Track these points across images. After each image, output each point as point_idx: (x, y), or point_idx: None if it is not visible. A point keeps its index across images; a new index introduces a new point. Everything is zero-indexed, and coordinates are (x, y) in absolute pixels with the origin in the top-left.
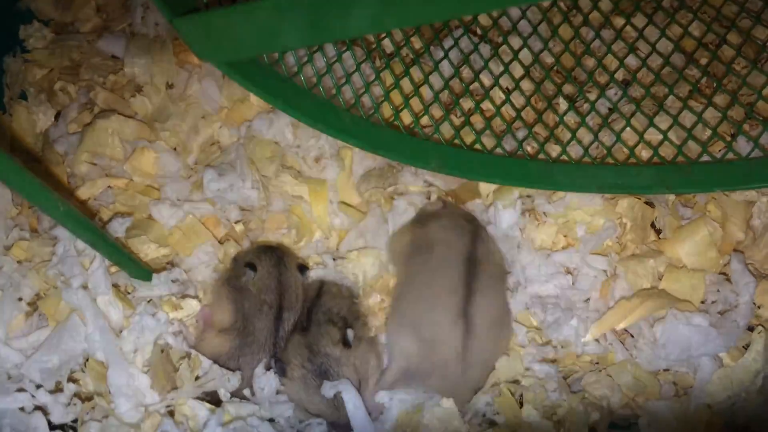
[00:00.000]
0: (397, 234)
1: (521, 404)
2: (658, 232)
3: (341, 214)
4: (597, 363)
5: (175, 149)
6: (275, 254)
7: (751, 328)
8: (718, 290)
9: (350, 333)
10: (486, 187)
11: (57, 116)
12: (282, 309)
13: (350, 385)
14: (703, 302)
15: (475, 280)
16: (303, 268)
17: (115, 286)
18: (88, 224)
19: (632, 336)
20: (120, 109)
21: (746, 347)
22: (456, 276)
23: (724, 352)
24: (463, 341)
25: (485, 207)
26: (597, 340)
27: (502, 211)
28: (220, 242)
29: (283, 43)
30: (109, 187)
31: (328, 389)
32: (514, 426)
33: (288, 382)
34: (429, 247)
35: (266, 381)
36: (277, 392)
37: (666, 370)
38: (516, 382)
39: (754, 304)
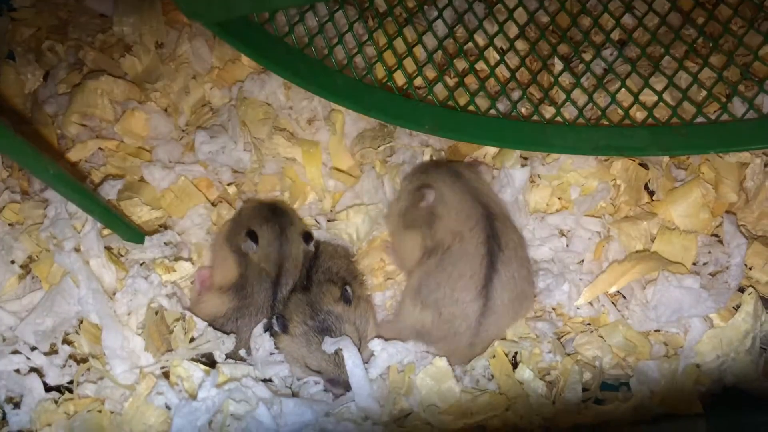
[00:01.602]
0: (404, 214)
1: (516, 365)
2: (652, 193)
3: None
4: (589, 324)
5: (165, 110)
6: (278, 224)
7: (741, 289)
8: (710, 252)
9: (350, 290)
10: (488, 150)
11: (45, 76)
12: (280, 276)
13: (351, 343)
14: (694, 264)
15: (497, 259)
16: (308, 236)
17: (108, 248)
18: (79, 187)
19: (624, 297)
20: (109, 70)
21: (737, 308)
22: (478, 258)
23: (715, 312)
24: (480, 318)
25: (489, 167)
26: (590, 303)
27: (511, 170)
28: (213, 204)
29: (273, 2)
30: (99, 149)
31: (330, 345)
32: (508, 386)
33: (290, 339)
34: (445, 241)
35: (262, 342)
36: (271, 353)
37: (657, 330)
38: (514, 342)
39: (745, 265)
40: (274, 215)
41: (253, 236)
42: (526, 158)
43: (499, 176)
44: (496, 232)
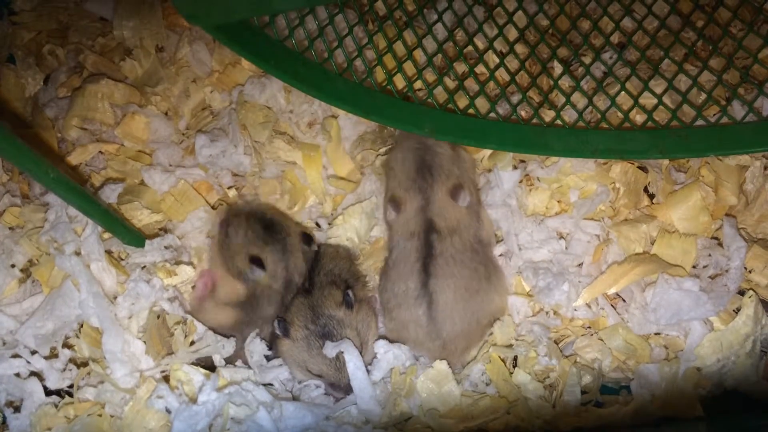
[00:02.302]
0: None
1: (513, 368)
2: (651, 196)
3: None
4: (589, 327)
5: (166, 114)
6: (279, 243)
7: (741, 293)
8: (710, 255)
9: (351, 294)
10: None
11: (46, 80)
12: (288, 288)
13: (352, 346)
14: (694, 266)
15: (431, 262)
16: (308, 238)
17: (109, 252)
18: (80, 190)
19: (624, 300)
20: (109, 73)
21: (737, 311)
22: (410, 263)
23: (715, 316)
24: (429, 322)
25: (481, 171)
26: (588, 305)
27: (501, 172)
28: (213, 208)
29: (273, 6)
30: (100, 152)
31: (331, 349)
32: (507, 390)
33: (291, 343)
34: (392, 245)
35: (255, 347)
36: (267, 358)
37: (657, 333)
38: (508, 347)
39: (745, 268)
40: (272, 234)
41: (257, 262)
42: (523, 161)
43: (489, 177)
44: (429, 243)
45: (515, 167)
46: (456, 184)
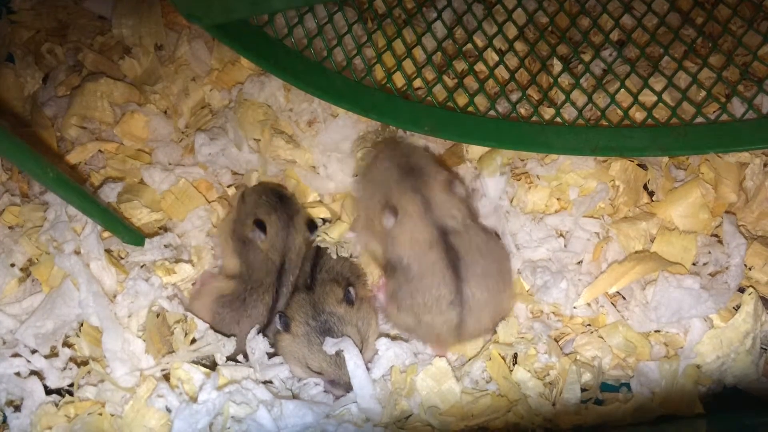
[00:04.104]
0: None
1: (513, 366)
2: (651, 194)
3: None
4: (589, 325)
5: (165, 112)
6: (285, 214)
7: (741, 290)
8: (710, 252)
9: (353, 291)
10: (474, 153)
11: (45, 79)
12: (284, 264)
13: (352, 344)
14: (694, 264)
15: (461, 265)
16: (312, 224)
17: (108, 251)
18: (79, 189)
19: (624, 298)
20: (109, 72)
21: (737, 308)
22: (439, 273)
23: (715, 313)
24: (460, 323)
25: (475, 175)
26: (588, 304)
27: (487, 179)
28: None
29: (272, 5)
30: (99, 151)
31: (331, 346)
32: (507, 388)
33: (291, 338)
34: (404, 263)
35: (257, 344)
36: (269, 356)
37: (657, 331)
38: (509, 344)
39: (744, 265)
40: (282, 204)
41: (261, 226)
42: (522, 159)
43: (477, 184)
44: (451, 246)
45: (502, 173)
46: (447, 177)
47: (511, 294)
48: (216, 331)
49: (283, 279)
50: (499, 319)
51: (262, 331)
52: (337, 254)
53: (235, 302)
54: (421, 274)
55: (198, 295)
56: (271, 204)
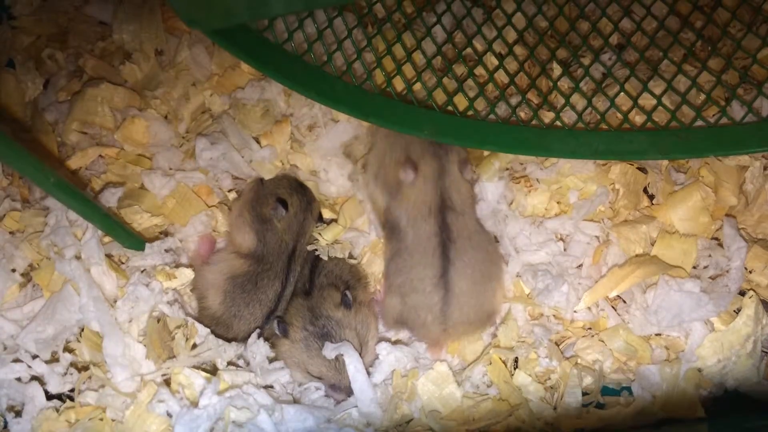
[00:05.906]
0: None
1: (514, 370)
2: (651, 197)
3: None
4: (589, 329)
5: (166, 117)
6: (305, 197)
7: (742, 293)
8: (710, 255)
9: (350, 295)
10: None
11: (45, 84)
12: (295, 250)
13: (351, 348)
14: (694, 267)
15: (451, 247)
16: (321, 217)
17: (109, 256)
18: (80, 195)
19: (624, 301)
20: (109, 77)
21: (737, 311)
22: (430, 249)
23: (715, 316)
24: (443, 308)
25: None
26: (589, 307)
27: (485, 183)
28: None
29: (272, 9)
30: (100, 156)
31: (330, 350)
32: (507, 392)
33: (290, 344)
34: (402, 224)
35: (257, 349)
36: (270, 360)
37: (658, 334)
38: (509, 348)
39: (745, 268)
40: (302, 191)
41: (283, 203)
42: (521, 163)
43: (475, 189)
44: (447, 224)
45: (500, 178)
46: (464, 158)
47: (501, 292)
48: (216, 336)
49: (292, 266)
50: (484, 314)
51: (262, 335)
52: (328, 256)
53: (247, 284)
54: (414, 246)
55: (210, 270)
56: (292, 186)
